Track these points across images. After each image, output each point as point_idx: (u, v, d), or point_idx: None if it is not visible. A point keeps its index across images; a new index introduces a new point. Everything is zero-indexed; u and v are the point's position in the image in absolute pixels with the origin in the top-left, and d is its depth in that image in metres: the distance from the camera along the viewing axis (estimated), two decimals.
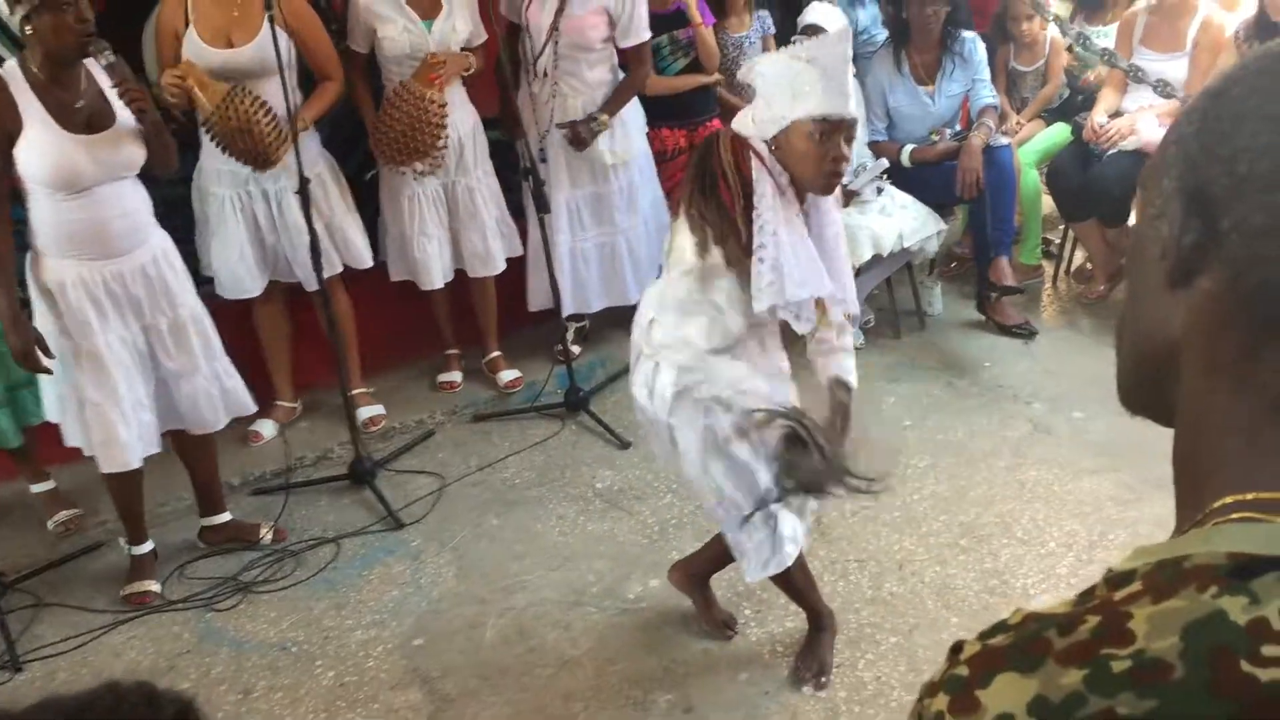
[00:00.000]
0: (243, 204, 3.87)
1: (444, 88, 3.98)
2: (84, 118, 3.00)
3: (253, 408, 3.55)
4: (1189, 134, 0.65)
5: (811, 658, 2.79)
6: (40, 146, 2.94)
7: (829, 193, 2.49)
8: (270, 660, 3.08)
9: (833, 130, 2.34)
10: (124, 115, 3.06)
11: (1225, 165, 0.61)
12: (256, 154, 3.60)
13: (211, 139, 3.57)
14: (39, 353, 2.99)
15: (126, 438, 3.17)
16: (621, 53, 4.32)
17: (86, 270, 3.07)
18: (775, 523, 2.54)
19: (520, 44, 4.25)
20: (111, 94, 3.05)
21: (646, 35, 4.28)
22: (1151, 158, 0.69)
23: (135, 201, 3.11)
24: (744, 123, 2.44)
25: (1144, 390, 0.71)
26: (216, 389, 3.34)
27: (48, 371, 3.06)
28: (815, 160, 2.36)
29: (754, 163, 2.38)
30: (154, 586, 3.39)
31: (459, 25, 4.05)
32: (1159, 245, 0.65)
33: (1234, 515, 0.59)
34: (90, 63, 3.02)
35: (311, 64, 3.85)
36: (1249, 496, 0.59)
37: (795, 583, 2.74)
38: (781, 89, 2.34)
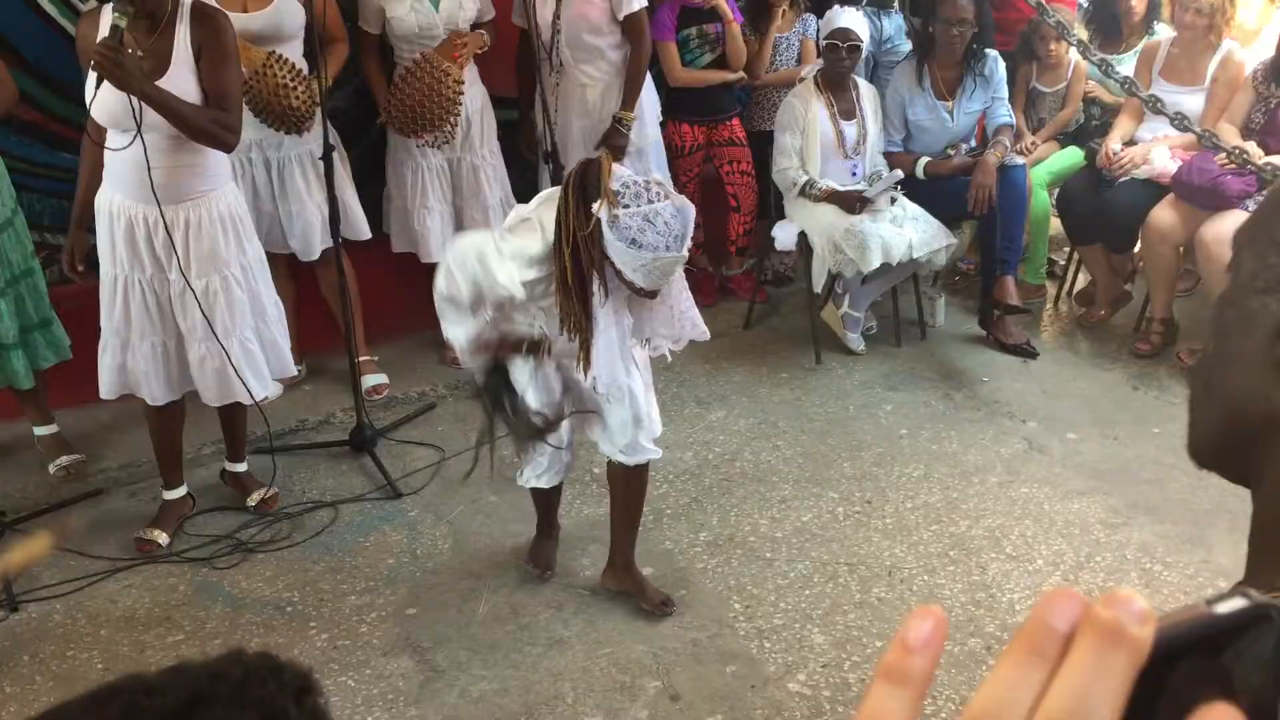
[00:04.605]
0: (243, 170, 3.88)
1: (464, 66, 4.03)
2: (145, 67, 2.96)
3: (247, 399, 3.36)
4: None
5: (540, 556, 3.27)
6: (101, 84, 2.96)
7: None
8: (265, 618, 3.12)
9: None
10: (176, 76, 3.01)
11: None
12: (290, 120, 3.64)
13: (247, 103, 3.57)
14: (75, 262, 3.29)
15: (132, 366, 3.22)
16: (622, 28, 4.34)
17: (125, 204, 3.10)
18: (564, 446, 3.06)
19: (532, 42, 4.26)
20: (183, 55, 3.02)
21: (641, 4, 4.31)
22: (1252, 221, 0.70)
23: (173, 157, 3.06)
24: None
25: (1226, 452, 0.71)
26: (217, 365, 3.25)
27: (74, 278, 3.35)
28: None
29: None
30: (162, 539, 3.41)
31: (465, 3, 4.10)
32: (1272, 322, 0.66)
33: None
34: (181, 19, 3.02)
35: (319, 28, 3.79)
36: None
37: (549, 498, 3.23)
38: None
